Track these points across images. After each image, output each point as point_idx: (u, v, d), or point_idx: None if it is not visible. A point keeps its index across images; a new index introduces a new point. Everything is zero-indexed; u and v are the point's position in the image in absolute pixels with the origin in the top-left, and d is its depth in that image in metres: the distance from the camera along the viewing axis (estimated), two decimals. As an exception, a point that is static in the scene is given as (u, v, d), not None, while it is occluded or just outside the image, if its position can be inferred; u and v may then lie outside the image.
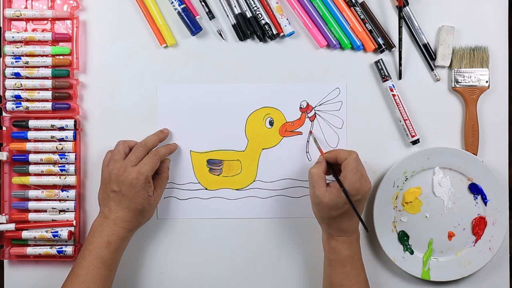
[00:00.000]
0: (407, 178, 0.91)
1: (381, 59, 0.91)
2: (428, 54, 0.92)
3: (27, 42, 0.91)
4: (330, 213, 0.81)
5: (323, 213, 0.82)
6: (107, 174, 0.85)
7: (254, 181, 0.92)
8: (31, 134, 0.90)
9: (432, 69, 0.92)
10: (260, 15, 0.90)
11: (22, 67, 0.90)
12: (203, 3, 0.91)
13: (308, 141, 0.92)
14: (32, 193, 0.90)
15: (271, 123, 0.92)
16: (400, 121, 0.91)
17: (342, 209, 0.81)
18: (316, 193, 0.81)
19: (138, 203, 0.84)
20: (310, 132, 0.92)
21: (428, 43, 0.92)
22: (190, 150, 0.92)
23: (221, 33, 0.91)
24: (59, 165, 0.90)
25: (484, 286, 0.93)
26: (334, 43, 0.91)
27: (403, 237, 0.91)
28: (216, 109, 0.92)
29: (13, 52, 0.90)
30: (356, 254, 0.84)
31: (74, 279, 0.81)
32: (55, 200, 0.91)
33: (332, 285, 0.84)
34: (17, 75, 0.90)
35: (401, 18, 0.90)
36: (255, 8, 0.90)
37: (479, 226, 0.92)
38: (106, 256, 0.82)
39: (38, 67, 0.90)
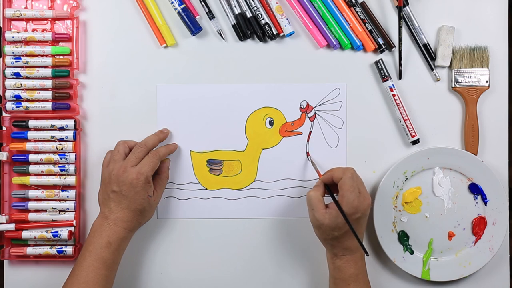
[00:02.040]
0: (407, 178, 0.91)
1: (381, 59, 0.91)
2: (428, 54, 0.92)
3: (27, 42, 0.91)
4: (332, 234, 0.81)
5: (325, 235, 0.82)
6: (107, 175, 0.85)
7: (254, 181, 0.92)
8: (31, 134, 0.90)
9: (432, 69, 0.92)
10: (260, 15, 0.90)
11: (22, 67, 0.90)
12: (203, 3, 0.91)
13: (308, 141, 0.92)
14: (32, 193, 0.90)
15: (271, 123, 0.92)
16: (400, 121, 0.91)
17: (344, 229, 0.81)
18: (316, 216, 0.81)
19: (138, 203, 0.84)
20: (307, 154, 0.91)
21: (428, 43, 0.92)
22: (190, 150, 0.92)
23: (221, 33, 0.91)
24: (59, 165, 0.90)
25: (484, 286, 0.93)
26: (334, 43, 0.91)
27: (403, 237, 0.91)
28: (216, 109, 0.92)
29: (13, 52, 0.90)
30: (360, 273, 0.84)
31: (74, 280, 0.81)
32: (55, 200, 0.91)
33: None
34: (17, 75, 0.90)
35: (401, 18, 0.90)
36: (255, 8, 0.90)
37: (479, 226, 0.92)
38: (107, 256, 0.82)
39: (38, 67, 0.90)
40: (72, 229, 0.90)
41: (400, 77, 0.92)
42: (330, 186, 0.85)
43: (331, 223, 0.80)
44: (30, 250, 0.90)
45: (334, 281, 0.84)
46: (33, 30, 0.91)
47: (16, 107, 0.90)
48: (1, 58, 0.90)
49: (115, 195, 0.84)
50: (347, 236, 0.82)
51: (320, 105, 0.92)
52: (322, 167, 0.91)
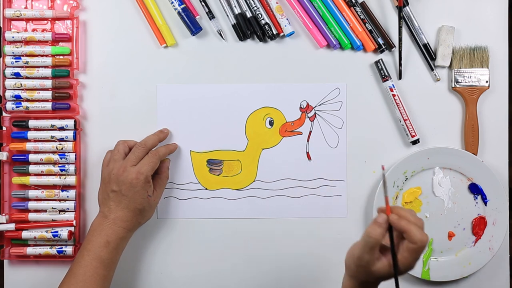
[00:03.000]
0: (407, 178, 0.91)
1: (381, 59, 0.91)
2: (428, 54, 0.92)
3: (27, 42, 0.91)
4: (367, 277, 0.71)
5: (361, 275, 0.72)
6: (107, 174, 0.85)
7: (254, 181, 0.92)
8: (31, 134, 0.90)
9: (432, 69, 0.92)
10: (260, 15, 0.90)
11: (22, 67, 0.90)
12: (203, 3, 0.91)
13: (308, 141, 0.92)
14: (32, 193, 0.90)
15: (271, 123, 0.92)
16: (400, 121, 0.91)
17: (383, 280, 0.71)
18: (366, 258, 0.69)
19: (138, 203, 0.84)
20: (383, 168, 0.76)
21: (428, 43, 0.92)
22: (190, 150, 0.92)
23: (221, 33, 0.91)
24: (59, 165, 0.90)
25: (484, 286, 0.93)
26: (334, 43, 0.91)
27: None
28: (216, 109, 0.92)
29: (13, 52, 0.90)
30: None
31: (72, 278, 0.81)
32: (55, 200, 0.90)
33: None
34: (17, 75, 0.90)
35: (401, 18, 0.90)
36: (255, 8, 0.90)
37: (479, 226, 0.92)
38: (105, 256, 0.82)
39: (38, 67, 0.90)
40: (72, 229, 0.90)
41: (400, 77, 0.92)
42: (391, 232, 0.71)
43: (376, 272, 0.70)
44: (30, 250, 0.90)
45: None
46: (33, 30, 0.91)
47: (16, 107, 0.90)
48: (1, 58, 0.90)
49: (114, 195, 0.84)
50: (379, 282, 0.73)
51: (320, 105, 0.92)
52: (322, 166, 0.91)
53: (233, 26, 0.91)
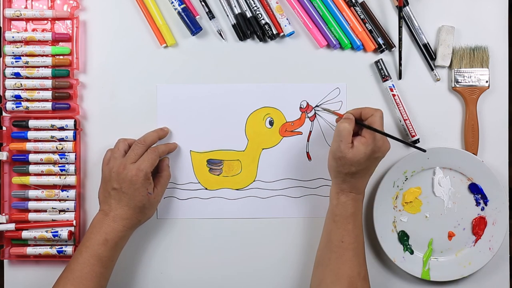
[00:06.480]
0: (407, 178, 0.91)
1: (381, 59, 0.91)
2: (428, 54, 0.92)
3: (27, 42, 0.91)
4: (349, 168, 0.81)
5: (342, 168, 0.82)
6: (108, 172, 0.85)
7: (254, 181, 0.92)
8: (31, 134, 0.90)
9: (432, 69, 0.92)
10: (260, 15, 0.90)
11: (22, 67, 0.90)
12: (203, 3, 0.91)
13: (308, 141, 0.92)
14: (32, 193, 0.90)
15: (271, 123, 0.92)
16: (400, 121, 0.91)
17: (362, 166, 0.81)
18: (342, 148, 0.80)
19: (138, 200, 0.84)
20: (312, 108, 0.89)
21: (428, 43, 0.92)
22: (190, 150, 0.92)
23: (221, 33, 0.91)
24: (59, 165, 0.90)
25: (484, 286, 0.93)
26: (334, 43, 0.91)
27: (403, 237, 0.91)
28: (216, 109, 0.92)
29: (13, 52, 0.90)
30: (359, 214, 0.85)
31: (69, 274, 0.81)
32: (55, 200, 0.91)
33: (332, 241, 0.84)
34: (17, 75, 0.90)
35: (401, 18, 0.90)
36: (255, 8, 0.90)
37: (479, 226, 0.92)
38: (103, 253, 0.82)
39: (38, 67, 0.90)
40: (72, 229, 0.90)
41: (400, 77, 0.92)
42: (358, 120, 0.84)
43: (354, 158, 0.80)
44: (30, 250, 0.90)
45: (334, 218, 0.84)
46: (33, 30, 0.91)
47: (16, 107, 0.90)
48: (1, 58, 0.90)
49: (115, 192, 0.84)
50: (360, 174, 0.82)
51: (320, 105, 0.92)
52: (322, 166, 0.91)
53: (233, 26, 0.91)
